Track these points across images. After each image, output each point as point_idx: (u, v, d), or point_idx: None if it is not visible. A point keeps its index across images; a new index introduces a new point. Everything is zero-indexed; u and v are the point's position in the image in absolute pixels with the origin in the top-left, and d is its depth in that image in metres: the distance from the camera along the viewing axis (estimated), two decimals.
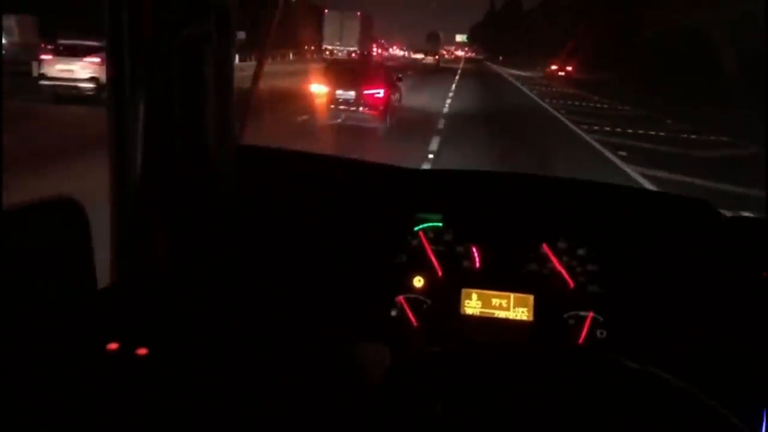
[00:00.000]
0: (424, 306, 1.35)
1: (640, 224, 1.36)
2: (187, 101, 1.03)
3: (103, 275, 1.05)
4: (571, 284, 1.33)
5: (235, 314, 1.03)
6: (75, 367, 0.70)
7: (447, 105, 18.62)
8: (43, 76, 14.71)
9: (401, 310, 1.35)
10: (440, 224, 1.39)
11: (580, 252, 1.35)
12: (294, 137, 10.30)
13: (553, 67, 39.26)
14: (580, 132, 14.93)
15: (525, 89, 30.13)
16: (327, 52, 52.07)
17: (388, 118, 12.55)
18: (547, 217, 1.40)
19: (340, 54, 49.79)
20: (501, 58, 75.20)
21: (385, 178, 1.48)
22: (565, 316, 1.32)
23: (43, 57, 15.26)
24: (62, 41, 15.58)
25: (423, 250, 1.38)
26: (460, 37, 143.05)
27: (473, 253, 1.37)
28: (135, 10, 0.97)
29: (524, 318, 1.34)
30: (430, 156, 10.15)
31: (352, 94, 12.16)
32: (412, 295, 1.35)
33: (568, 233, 1.36)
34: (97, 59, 14.91)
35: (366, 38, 54.19)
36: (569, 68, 36.38)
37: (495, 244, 1.37)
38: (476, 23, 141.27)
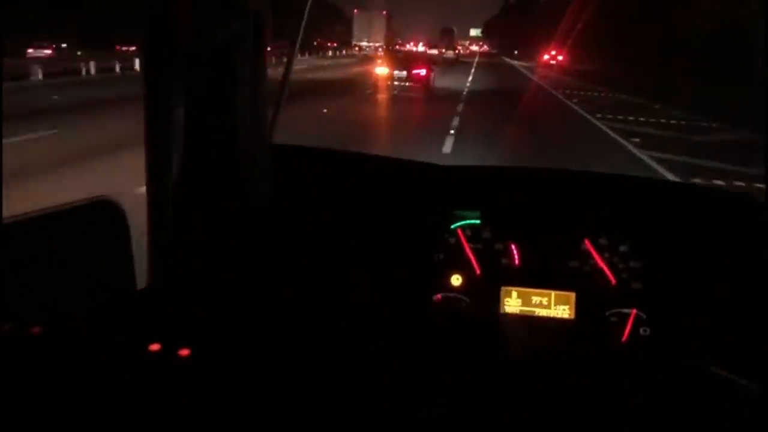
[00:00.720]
0: (463, 304, 1.34)
1: (681, 219, 1.34)
2: (221, 102, 1.04)
3: (142, 277, 1.07)
4: (614, 281, 1.31)
5: (274, 314, 1.07)
6: (117, 369, 0.69)
7: (467, 87, 24.36)
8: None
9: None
10: (478, 221, 1.37)
11: (622, 248, 1.32)
12: (368, 103, 16.20)
13: (546, 57, 44.38)
14: (557, 94, 20.58)
15: (529, 75, 35.84)
16: (356, 48, 57.90)
17: (427, 89, 18.64)
18: (588, 213, 1.37)
19: (367, 49, 55.51)
20: (516, 52, 76.21)
21: (422, 175, 1.48)
22: (607, 313, 1.30)
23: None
24: None
25: (461, 248, 1.37)
26: (474, 32, 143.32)
27: (512, 250, 1.35)
28: (170, 12, 0.98)
29: (565, 316, 1.31)
30: (459, 109, 15.98)
31: (404, 73, 18.35)
32: (451, 294, 1.35)
33: (610, 229, 1.33)
34: None
35: (390, 35, 59.82)
36: (560, 57, 41.41)
37: (534, 241, 1.35)
38: (490, 17, 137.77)
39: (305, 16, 1.56)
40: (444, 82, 24.01)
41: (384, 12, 56.85)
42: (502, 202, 1.41)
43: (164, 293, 1.02)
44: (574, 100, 20.28)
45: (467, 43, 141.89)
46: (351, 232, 1.36)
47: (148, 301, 0.96)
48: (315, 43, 52.94)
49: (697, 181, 7.82)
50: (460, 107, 16.49)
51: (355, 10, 57.83)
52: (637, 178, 1.49)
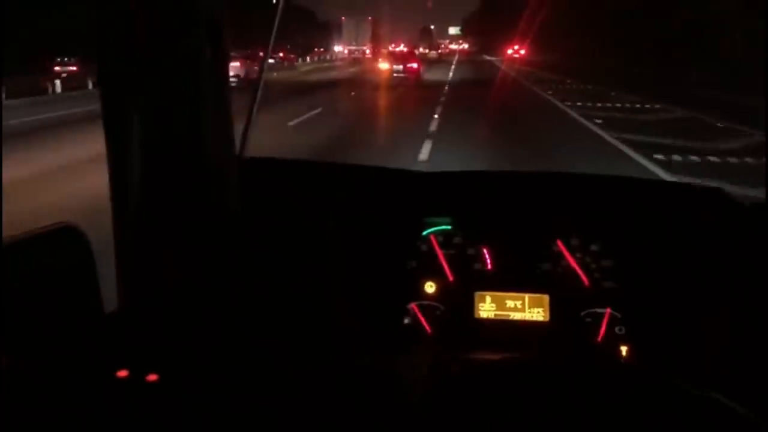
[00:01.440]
0: (438, 312, 1.32)
1: (653, 216, 1.34)
2: (183, 116, 1.01)
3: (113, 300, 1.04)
4: (586, 281, 1.31)
5: (246, 331, 1.05)
6: (84, 397, 0.67)
7: (449, 77, 29.84)
8: None
9: (414, 318, 1.33)
10: (449, 227, 1.37)
11: (594, 248, 1.32)
12: (375, 90, 21.67)
13: (509, 51, 50.16)
14: (521, 80, 26.17)
15: (501, 66, 41.50)
16: (346, 51, 63.25)
17: (418, 79, 24.50)
18: (559, 214, 1.37)
19: (356, 53, 60.86)
20: (493, 49, 78.85)
21: (392, 182, 1.48)
22: (582, 314, 1.29)
23: None
24: None
25: (433, 254, 1.35)
26: (453, 30, 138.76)
27: (484, 254, 1.34)
28: (125, 27, 0.95)
29: (540, 318, 1.30)
30: (446, 89, 21.58)
31: (401, 67, 24.33)
32: (425, 302, 1.33)
33: (581, 229, 1.33)
34: (237, 63, 25.92)
35: (375, 38, 65.23)
36: (522, 51, 47.18)
37: (506, 244, 1.34)
38: (469, 13, 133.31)
39: (275, 26, 1.53)
40: (431, 75, 29.63)
41: (369, 18, 62.28)
42: (472, 206, 1.40)
43: (132, 316, 1.00)
44: (525, 79, 27.27)
45: (446, 42, 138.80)
46: (323, 244, 1.34)
47: (116, 325, 0.96)
48: (315, 49, 58.57)
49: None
50: (446, 88, 22.13)
51: (343, 18, 63.24)
52: (607, 176, 1.50)
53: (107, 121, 1.00)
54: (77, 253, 0.96)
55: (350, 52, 60.71)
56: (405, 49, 29.44)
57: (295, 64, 48.38)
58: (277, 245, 1.32)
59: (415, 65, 26.17)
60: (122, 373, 0.73)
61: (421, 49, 66.56)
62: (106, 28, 0.98)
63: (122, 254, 1.04)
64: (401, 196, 1.43)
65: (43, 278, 0.90)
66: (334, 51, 64.20)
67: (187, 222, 1.05)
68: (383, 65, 27.86)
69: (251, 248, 1.24)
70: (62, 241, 0.95)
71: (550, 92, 20.50)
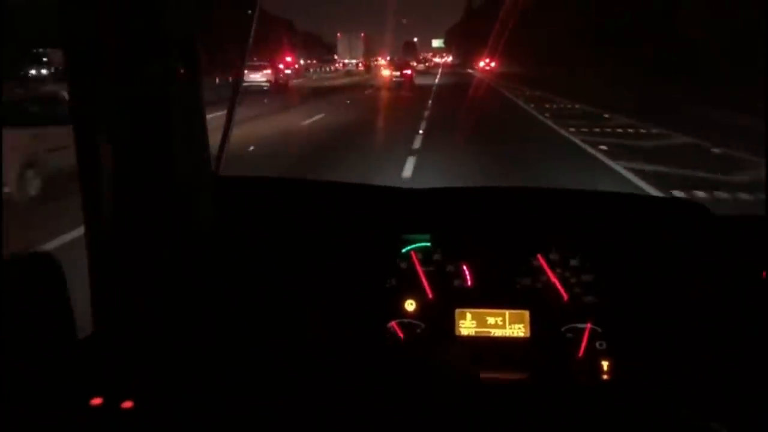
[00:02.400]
0: (418, 330, 1.30)
1: (632, 230, 1.34)
2: (155, 137, 1.00)
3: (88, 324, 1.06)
4: (566, 296, 1.30)
5: (223, 353, 1.03)
6: (57, 427, 0.66)
7: (436, 83, 37.24)
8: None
9: (394, 336, 1.31)
10: (428, 244, 1.35)
11: (573, 262, 1.31)
12: (384, 89, 29.13)
13: (481, 64, 58.31)
14: (494, 85, 33.65)
15: (478, 75, 49.15)
16: (341, 64, 70.31)
17: (412, 84, 32.29)
18: (537, 229, 1.36)
19: (350, 66, 67.92)
20: (473, 61, 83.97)
21: (369, 200, 1.46)
22: (562, 329, 1.28)
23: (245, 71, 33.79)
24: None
25: (413, 272, 1.34)
26: (436, 42, 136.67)
27: (464, 271, 1.33)
28: (95, 47, 0.94)
29: (521, 335, 1.29)
30: (434, 89, 29.15)
31: (398, 73, 32.31)
32: (405, 320, 1.31)
33: (560, 244, 1.32)
34: (268, 71, 32.61)
35: (367, 52, 72.37)
36: (493, 64, 55.20)
37: (486, 260, 1.32)
38: (452, 25, 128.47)
39: (249, 42, 1.53)
40: (421, 81, 37.21)
41: (362, 34, 69.56)
42: (450, 222, 1.39)
43: (106, 342, 0.98)
44: (494, 83, 35.62)
45: (430, 54, 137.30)
46: (302, 263, 1.32)
47: (90, 352, 0.94)
48: (314, 61, 65.80)
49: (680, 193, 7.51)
50: (434, 88, 29.45)
51: (339, 34, 70.63)
52: (586, 191, 1.49)
53: (78, 142, 0.98)
54: (49, 280, 0.91)
55: (345, 65, 67.80)
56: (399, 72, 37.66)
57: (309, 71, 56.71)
58: (253, 265, 1.29)
59: (408, 72, 35.07)
60: (96, 401, 0.73)
61: (414, 63, 73.36)
62: (75, 49, 0.96)
63: (96, 278, 1.02)
64: (379, 213, 1.40)
65: (14, 306, 0.85)
66: (335, 63, 71.68)
67: (161, 244, 1.03)
68: (386, 72, 37.15)
69: (227, 268, 1.23)
70: (33, 267, 0.91)
71: (501, 86, 31.87)
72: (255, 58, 31.56)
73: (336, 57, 73.94)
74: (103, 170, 0.98)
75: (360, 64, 66.27)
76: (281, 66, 34.28)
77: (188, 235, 1.08)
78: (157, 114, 1.01)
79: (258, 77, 30.54)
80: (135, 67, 0.97)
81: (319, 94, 27.03)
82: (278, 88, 29.21)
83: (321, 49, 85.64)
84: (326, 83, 35.67)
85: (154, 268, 1.03)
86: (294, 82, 35.53)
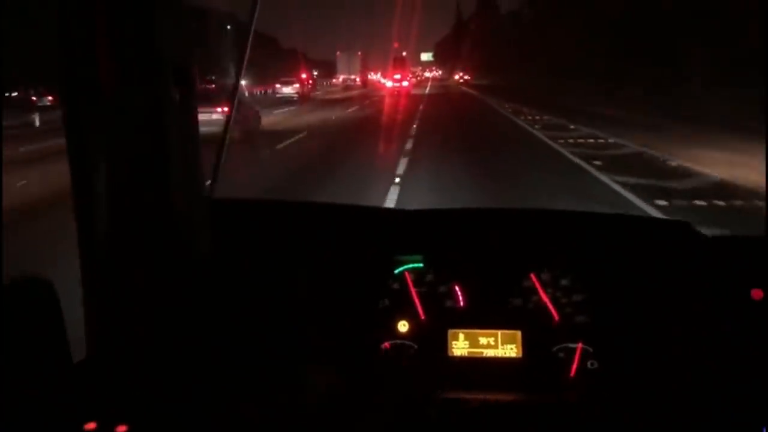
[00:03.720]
0: (411, 351, 1.31)
1: (622, 250, 1.36)
2: (150, 160, 1.01)
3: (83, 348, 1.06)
4: (558, 316, 1.30)
5: (217, 378, 1.03)
6: None
7: (427, 91, 46.91)
8: (276, 92, 41.35)
9: (388, 357, 1.32)
10: (421, 265, 1.36)
11: (564, 282, 1.32)
12: (383, 97, 39.16)
13: (456, 77, 66.95)
14: (471, 92, 43.05)
15: (462, 88, 59.03)
16: (340, 79, 79.55)
17: (409, 91, 43.01)
18: (529, 250, 1.38)
19: (349, 81, 77.10)
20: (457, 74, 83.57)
21: (362, 221, 1.47)
22: (554, 349, 1.28)
23: (276, 85, 42.07)
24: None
25: (405, 293, 1.34)
26: (425, 56, 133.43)
27: (456, 292, 1.33)
28: (90, 69, 0.94)
29: (513, 355, 1.29)
30: (426, 93, 39.31)
31: (399, 84, 43.01)
32: (398, 341, 1.32)
33: (551, 264, 1.33)
34: (297, 85, 41.46)
35: (364, 68, 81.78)
36: (467, 77, 64.60)
37: (478, 280, 1.34)
38: (441, 38, 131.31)
39: (244, 63, 1.55)
40: (416, 90, 46.89)
41: (359, 52, 79.09)
42: (443, 243, 1.40)
43: (101, 366, 0.98)
44: (466, 89, 46.66)
45: (419, 69, 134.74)
46: (295, 285, 1.33)
47: (84, 376, 0.93)
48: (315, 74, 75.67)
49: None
50: (426, 95, 39.18)
51: (338, 52, 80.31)
52: (576, 212, 1.52)
53: (73, 164, 0.98)
54: (44, 304, 0.91)
55: (344, 80, 77.09)
56: (400, 76, 46.58)
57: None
58: (247, 288, 1.30)
59: (406, 83, 44.75)
60: (90, 425, 0.72)
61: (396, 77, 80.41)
62: (71, 71, 0.95)
63: (91, 302, 1.01)
64: (372, 234, 1.40)
65: (9, 331, 0.85)
66: (335, 78, 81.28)
67: (155, 268, 1.03)
68: (389, 83, 46.34)
69: (221, 291, 1.23)
70: (28, 292, 0.90)
71: (473, 90, 41.97)
72: (285, 77, 40.92)
73: (336, 73, 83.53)
74: (98, 194, 0.98)
75: (357, 79, 75.24)
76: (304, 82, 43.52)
77: (183, 259, 1.08)
78: (152, 138, 1.01)
79: (290, 90, 40.86)
80: (130, 91, 0.97)
81: (333, 101, 36.08)
82: (303, 98, 38.17)
83: (319, 66, 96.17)
84: (337, 95, 44.90)
85: (148, 293, 1.03)
86: (313, 93, 44.94)
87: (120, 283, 1.01)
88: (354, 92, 51.27)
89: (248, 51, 1.53)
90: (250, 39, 1.50)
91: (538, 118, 19.93)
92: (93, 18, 0.93)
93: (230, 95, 1.80)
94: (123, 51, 0.96)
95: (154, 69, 0.99)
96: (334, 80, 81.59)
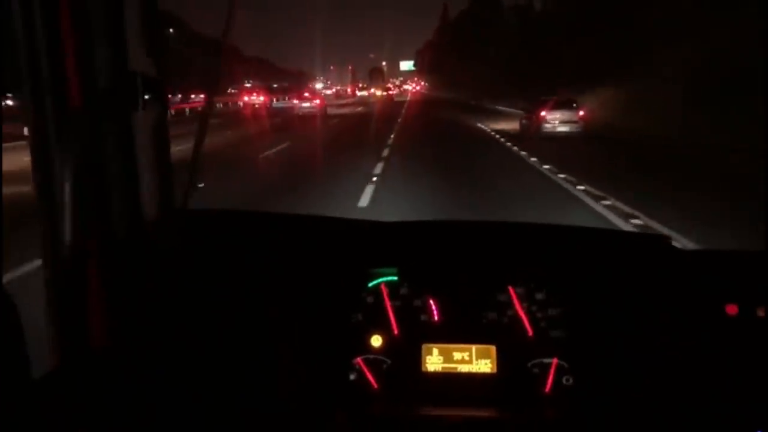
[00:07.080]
0: (384, 366, 1.28)
1: (598, 264, 1.34)
2: (117, 172, 0.99)
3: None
4: (533, 331, 1.28)
5: (186, 390, 1.01)
6: None
7: (407, 99, 62.05)
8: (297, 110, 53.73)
9: (360, 373, 1.28)
10: (395, 278, 1.33)
11: (539, 297, 1.30)
12: (385, 105, 54.33)
13: (408, 87, 74.34)
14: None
15: (428, 93, 74.08)
16: (333, 90, 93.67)
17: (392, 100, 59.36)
18: (504, 264, 1.36)
19: (341, 92, 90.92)
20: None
21: (335, 233, 1.44)
22: (529, 364, 1.25)
23: (295, 101, 56.12)
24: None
25: (379, 306, 1.31)
26: (405, 65, 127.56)
27: (431, 306, 1.31)
28: (57, 80, 0.93)
29: (487, 370, 1.27)
30: (408, 99, 55.69)
31: (384, 93, 62.23)
32: (371, 356, 1.28)
33: (526, 278, 1.31)
34: (317, 101, 53.20)
35: (353, 79, 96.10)
36: (417, 87, 71.19)
37: (453, 294, 1.31)
38: (423, 44, 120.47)
39: (218, 73, 1.56)
40: (399, 98, 62.39)
41: (350, 66, 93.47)
42: (418, 256, 1.37)
43: (65, 379, 0.94)
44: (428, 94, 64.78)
45: (399, 81, 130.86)
46: (266, 298, 1.29)
47: (47, 391, 0.90)
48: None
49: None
50: (406, 102, 54.38)
51: (331, 66, 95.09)
52: (550, 225, 1.51)
53: (37, 174, 0.96)
54: (1, 316, 0.86)
55: (337, 91, 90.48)
56: (389, 86, 56.96)
57: None
58: (216, 300, 1.26)
59: (392, 93, 59.16)
60: None
61: (372, 91, 77.30)
62: (37, 81, 0.93)
63: (55, 313, 0.99)
64: (345, 246, 1.37)
65: None
66: (329, 89, 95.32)
67: (123, 279, 1.01)
68: (378, 93, 61.16)
69: (190, 304, 1.21)
70: None
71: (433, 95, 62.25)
72: (306, 93, 52.29)
73: (329, 83, 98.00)
74: (64, 202, 0.96)
75: (348, 89, 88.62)
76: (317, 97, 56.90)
77: (152, 268, 1.07)
78: (119, 146, 0.99)
79: (309, 105, 42.92)
80: (98, 99, 0.95)
81: (343, 105, 50.17)
82: (320, 111, 47.92)
83: (289, 76, 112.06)
84: (341, 101, 58.76)
85: (115, 303, 1.00)
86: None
87: (85, 294, 0.98)
88: (349, 100, 65.34)
89: (220, 67, 1.54)
90: (221, 57, 1.48)
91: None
92: (59, 27, 0.92)
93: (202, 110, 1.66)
94: (92, 57, 0.95)
95: (122, 80, 0.99)
96: (328, 91, 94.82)
